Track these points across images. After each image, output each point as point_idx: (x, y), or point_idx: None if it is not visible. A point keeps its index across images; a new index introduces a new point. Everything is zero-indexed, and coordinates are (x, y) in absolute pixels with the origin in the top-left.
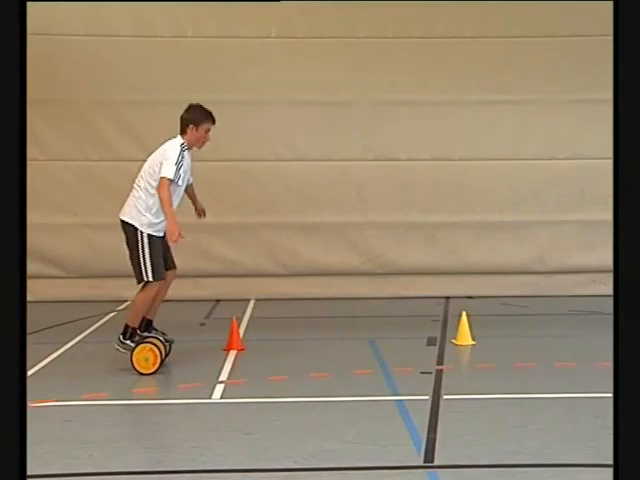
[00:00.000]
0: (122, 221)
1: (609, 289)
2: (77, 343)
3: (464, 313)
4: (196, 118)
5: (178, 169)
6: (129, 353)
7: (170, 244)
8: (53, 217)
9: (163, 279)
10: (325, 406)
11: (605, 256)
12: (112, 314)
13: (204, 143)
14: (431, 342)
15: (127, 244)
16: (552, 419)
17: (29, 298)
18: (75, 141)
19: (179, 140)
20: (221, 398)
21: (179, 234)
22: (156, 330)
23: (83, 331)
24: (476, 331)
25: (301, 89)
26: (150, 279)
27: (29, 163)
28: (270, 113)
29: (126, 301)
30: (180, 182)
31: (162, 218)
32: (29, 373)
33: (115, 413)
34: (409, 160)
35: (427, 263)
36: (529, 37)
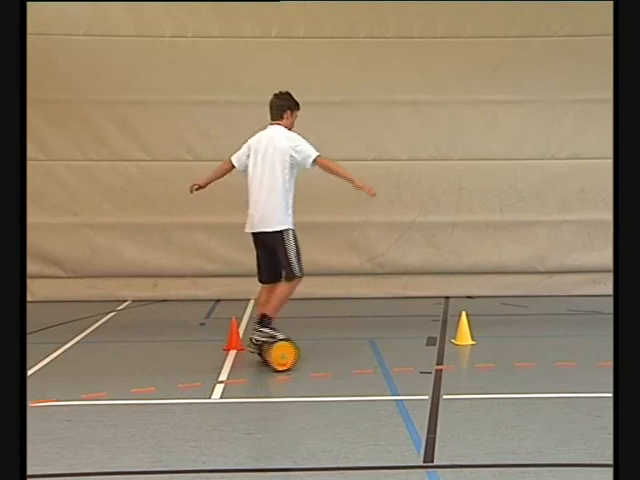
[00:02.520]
0: (267, 232)
1: (609, 289)
2: (77, 343)
3: (464, 313)
4: (291, 104)
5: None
6: (269, 345)
7: (371, 195)
8: (53, 217)
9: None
10: (325, 406)
11: (605, 256)
12: (112, 314)
13: (291, 128)
14: (431, 342)
15: (269, 250)
16: (552, 419)
17: (29, 298)
18: (75, 141)
19: (280, 127)
20: (221, 398)
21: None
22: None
23: (83, 331)
24: (476, 331)
25: (301, 89)
26: (298, 274)
27: (29, 163)
28: None
29: (126, 301)
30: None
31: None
32: (29, 373)
33: (115, 413)
34: (409, 160)
35: (427, 263)
36: (529, 37)
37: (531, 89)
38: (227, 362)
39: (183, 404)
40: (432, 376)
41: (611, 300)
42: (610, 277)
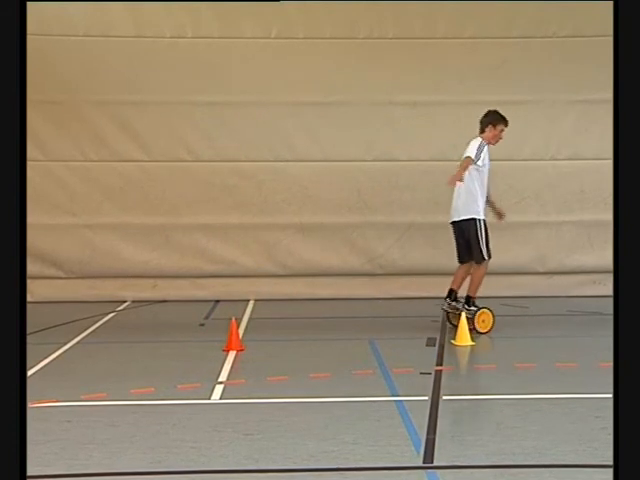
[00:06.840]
0: (460, 221)
1: (609, 290)
2: (77, 343)
3: (463, 314)
4: (493, 120)
5: (479, 152)
6: (473, 316)
7: (449, 183)
8: (53, 217)
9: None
10: (325, 406)
11: (605, 256)
12: (112, 314)
13: (498, 140)
14: (430, 342)
15: (465, 239)
16: (552, 419)
17: (29, 299)
18: (75, 141)
19: (477, 138)
20: (221, 398)
21: (456, 181)
22: (457, 300)
23: (83, 331)
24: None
25: (301, 89)
26: (486, 257)
27: (29, 163)
28: (270, 113)
29: (125, 301)
30: (480, 162)
31: (482, 200)
32: (29, 373)
33: (115, 413)
34: (409, 160)
35: (427, 263)
36: (529, 37)
37: (531, 89)
38: (227, 363)
39: (183, 405)
40: (432, 377)
41: (611, 301)
42: (610, 277)
